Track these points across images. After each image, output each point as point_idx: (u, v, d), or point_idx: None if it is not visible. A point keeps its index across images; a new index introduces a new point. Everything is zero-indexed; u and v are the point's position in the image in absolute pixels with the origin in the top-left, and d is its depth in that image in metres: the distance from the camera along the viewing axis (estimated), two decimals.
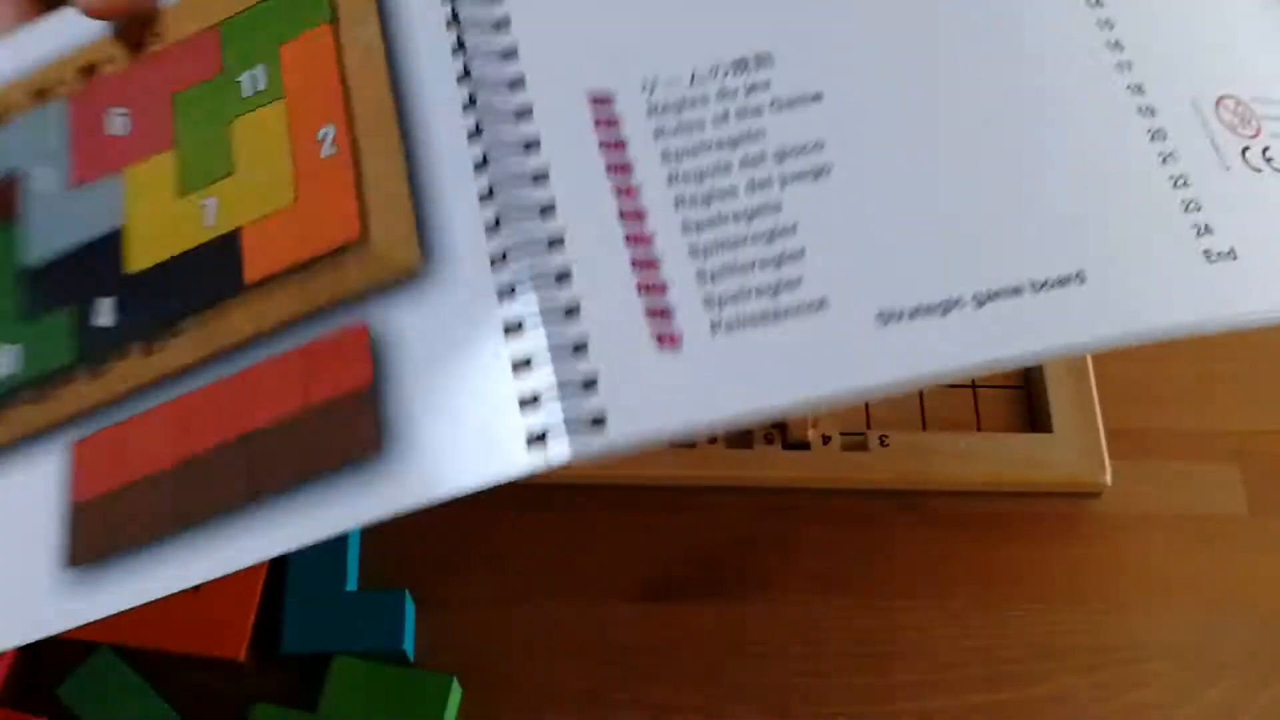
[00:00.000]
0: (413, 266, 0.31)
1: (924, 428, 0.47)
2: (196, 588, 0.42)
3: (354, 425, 0.30)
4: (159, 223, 0.35)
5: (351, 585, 0.43)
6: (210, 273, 0.34)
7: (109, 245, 0.35)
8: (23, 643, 0.32)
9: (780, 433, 0.46)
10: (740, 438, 0.46)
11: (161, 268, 0.35)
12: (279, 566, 0.43)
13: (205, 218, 0.35)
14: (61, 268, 0.35)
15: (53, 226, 0.36)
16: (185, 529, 0.31)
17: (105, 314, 0.34)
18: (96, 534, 0.32)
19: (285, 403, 0.31)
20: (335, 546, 0.43)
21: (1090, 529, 0.46)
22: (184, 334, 0.33)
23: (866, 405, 0.47)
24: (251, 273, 0.34)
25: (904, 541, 0.46)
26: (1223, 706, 0.42)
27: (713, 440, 0.46)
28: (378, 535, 0.45)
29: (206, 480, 0.31)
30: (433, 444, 0.29)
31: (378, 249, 0.32)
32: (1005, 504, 0.46)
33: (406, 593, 0.42)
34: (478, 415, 0.29)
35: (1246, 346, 0.49)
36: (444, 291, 0.31)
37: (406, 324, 0.31)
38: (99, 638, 0.41)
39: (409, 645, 0.42)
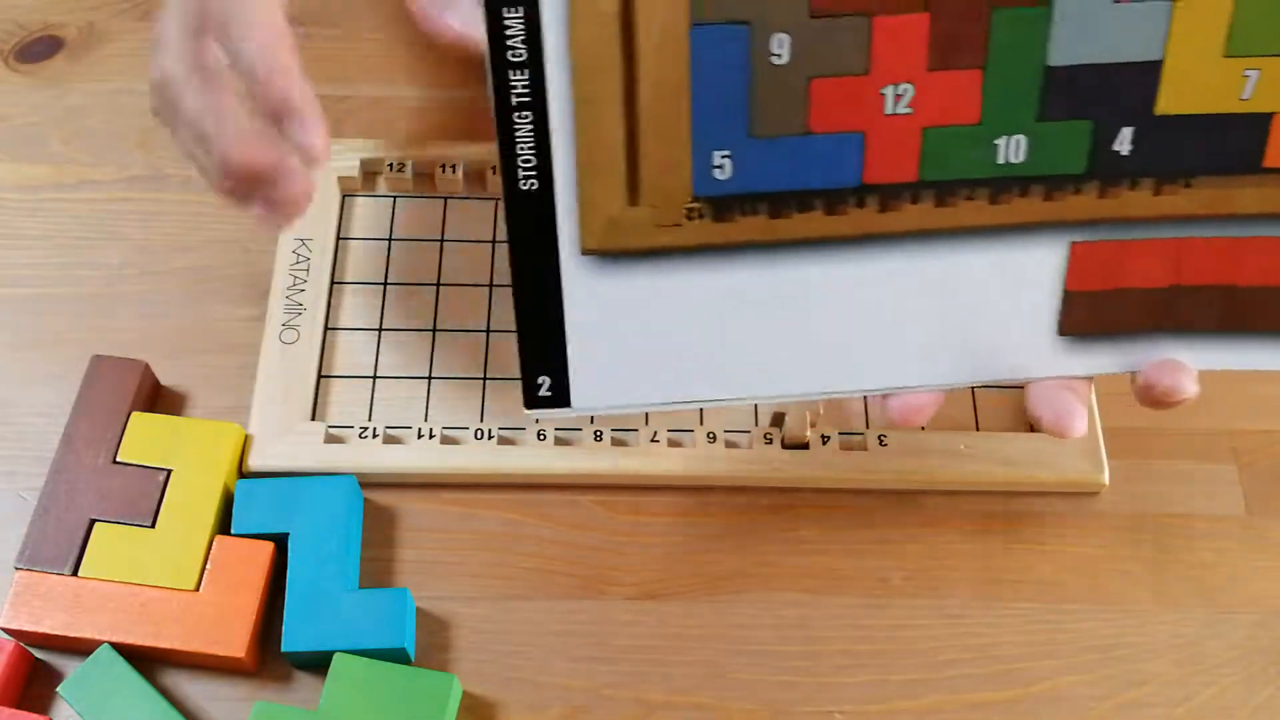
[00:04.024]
0: None
1: (923, 427, 0.47)
2: (197, 589, 0.43)
3: None
4: (1197, 75, 0.35)
5: (352, 584, 0.43)
6: (1232, 143, 0.36)
7: (1144, 77, 0.35)
8: (1022, 380, 0.40)
9: (780, 433, 0.46)
10: (740, 438, 0.46)
11: (1187, 120, 0.36)
12: (280, 565, 0.43)
13: (1243, 89, 0.36)
14: (1089, 79, 0.36)
15: (1087, 32, 0.35)
16: (1163, 332, 0.39)
17: (1124, 142, 0.36)
18: (1085, 317, 0.39)
19: (1269, 276, 0.38)
20: (336, 545, 0.43)
21: (1088, 528, 0.46)
22: (1195, 188, 0.37)
23: (866, 405, 0.48)
24: (1273, 159, 0.36)
25: (903, 541, 0.46)
26: (1220, 705, 0.43)
27: (712, 440, 0.46)
28: (378, 535, 0.45)
29: (1188, 307, 0.38)
30: None
31: None
32: (1004, 503, 0.46)
33: (408, 591, 0.42)
34: None
35: None
36: None
37: None
38: (99, 637, 0.41)
39: (409, 644, 0.42)
